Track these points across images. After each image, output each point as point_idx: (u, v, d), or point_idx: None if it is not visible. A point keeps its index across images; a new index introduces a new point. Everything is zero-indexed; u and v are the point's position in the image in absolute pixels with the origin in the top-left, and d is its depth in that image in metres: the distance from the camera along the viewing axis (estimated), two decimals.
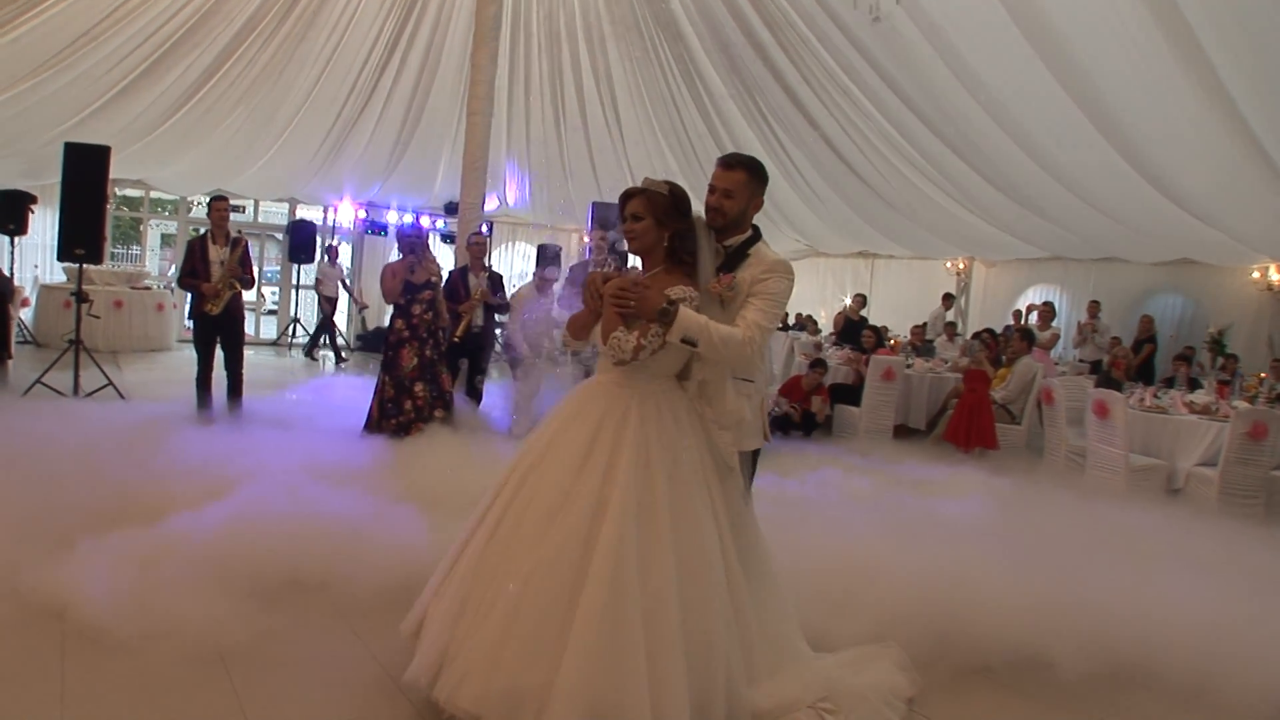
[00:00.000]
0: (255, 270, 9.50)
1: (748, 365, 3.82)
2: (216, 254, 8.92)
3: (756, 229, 3.98)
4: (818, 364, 10.94)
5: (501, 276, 10.15)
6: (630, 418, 3.58)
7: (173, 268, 20.76)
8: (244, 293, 9.23)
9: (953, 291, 18.77)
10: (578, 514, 3.41)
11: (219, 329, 9.02)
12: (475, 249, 9.88)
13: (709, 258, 3.79)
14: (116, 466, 6.44)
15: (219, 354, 9.14)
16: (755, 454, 4.10)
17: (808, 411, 10.66)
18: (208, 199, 9.74)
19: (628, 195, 3.78)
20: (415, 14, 13.46)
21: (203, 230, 9.48)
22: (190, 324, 9.32)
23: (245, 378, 9.35)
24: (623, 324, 3.63)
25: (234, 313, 9.07)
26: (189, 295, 9.27)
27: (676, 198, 3.73)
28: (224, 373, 9.17)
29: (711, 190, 3.91)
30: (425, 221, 17.87)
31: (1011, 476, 8.71)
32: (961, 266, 18.91)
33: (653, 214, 3.71)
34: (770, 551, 3.97)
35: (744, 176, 3.90)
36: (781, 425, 10.33)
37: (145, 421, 8.30)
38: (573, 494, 3.46)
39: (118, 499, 5.68)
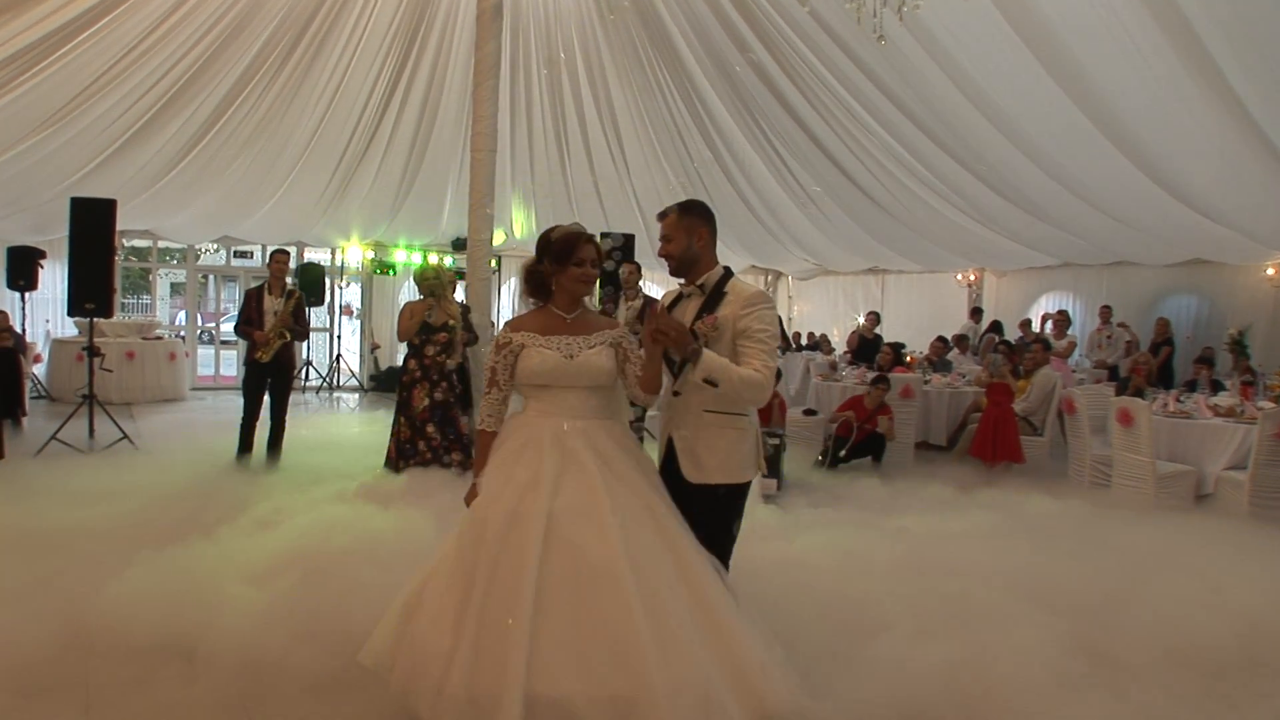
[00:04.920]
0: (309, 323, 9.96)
1: (758, 403, 3.96)
2: (271, 304, 9.36)
3: (728, 269, 4.12)
4: (880, 380, 10.42)
5: (469, 308, 10.06)
6: (623, 461, 3.81)
7: (182, 315, 20.85)
8: (295, 343, 9.68)
9: (966, 304, 18.72)
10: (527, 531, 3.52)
11: (269, 375, 9.36)
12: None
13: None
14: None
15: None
16: (746, 486, 4.06)
17: (874, 432, 10.13)
18: (270, 250, 10.00)
19: (588, 239, 3.96)
20: (415, 53, 13.47)
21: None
22: (242, 369, 9.55)
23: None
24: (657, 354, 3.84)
25: (284, 361, 9.47)
26: (244, 342, 9.65)
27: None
28: (268, 419, 9.45)
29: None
30: (444, 261, 17.85)
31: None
32: (973, 278, 18.84)
33: (602, 261, 4.02)
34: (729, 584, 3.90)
35: (674, 217, 4.10)
36: (839, 448, 9.99)
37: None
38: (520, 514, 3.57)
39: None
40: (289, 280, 10.27)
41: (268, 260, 9.76)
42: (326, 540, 6.04)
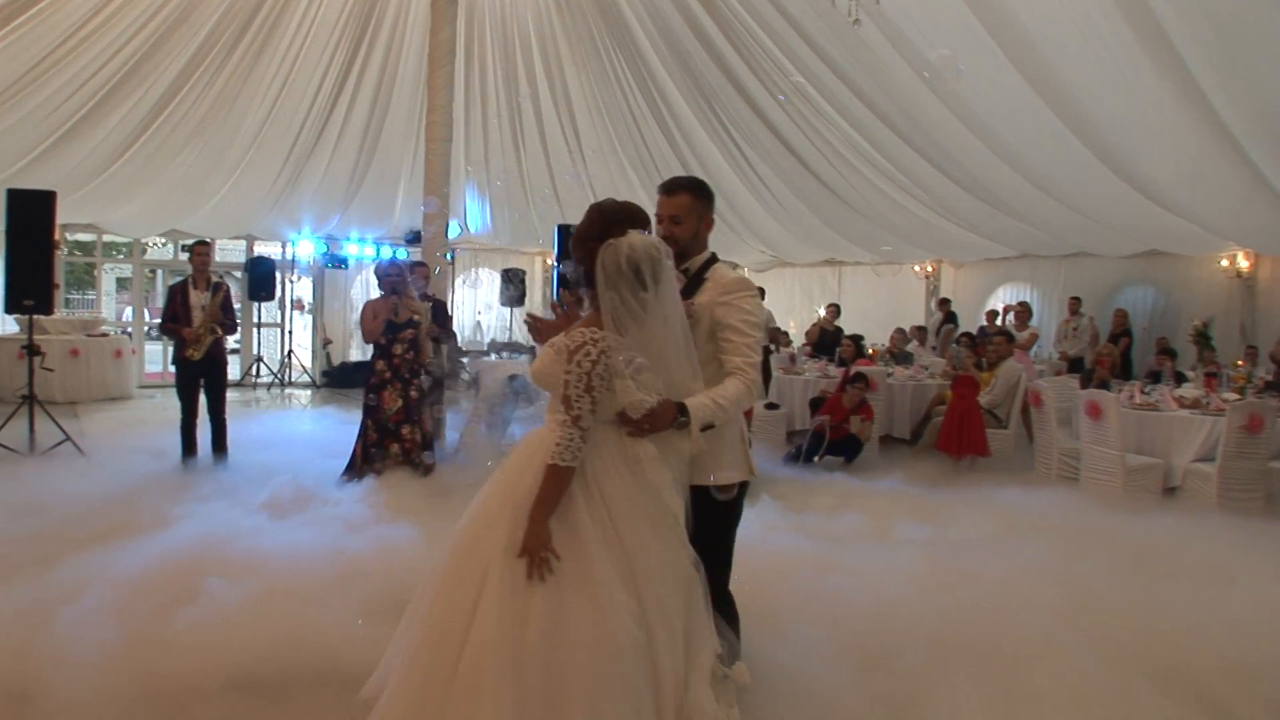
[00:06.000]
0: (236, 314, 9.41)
1: (752, 404, 3.69)
2: (197, 299, 8.95)
3: (714, 254, 3.81)
4: (858, 378, 9.94)
5: (445, 304, 9.85)
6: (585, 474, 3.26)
7: (128, 311, 20.40)
8: (226, 338, 9.23)
9: (924, 296, 18.73)
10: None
11: (201, 374, 8.98)
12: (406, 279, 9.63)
13: (609, 291, 3.25)
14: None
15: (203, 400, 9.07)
16: (743, 489, 3.75)
17: (850, 435, 9.74)
18: (190, 244, 9.58)
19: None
20: (367, 40, 13.19)
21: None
22: (172, 368, 9.13)
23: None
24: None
25: (216, 358, 9.07)
26: (171, 341, 9.13)
27: (581, 226, 3.40)
28: (207, 419, 9.08)
29: (659, 220, 3.73)
30: (402, 254, 17.53)
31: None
32: (930, 270, 18.84)
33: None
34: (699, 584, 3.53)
35: (689, 199, 3.73)
36: (814, 449, 9.70)
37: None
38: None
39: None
40: (240, 273, 9.94)
41: (188, 254, 9.34)
42: (209, 558, 5.61)
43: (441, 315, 9.59)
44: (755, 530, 6.57)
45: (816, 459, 9.60)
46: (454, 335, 9.43)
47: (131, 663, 4.22)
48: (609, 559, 3.16)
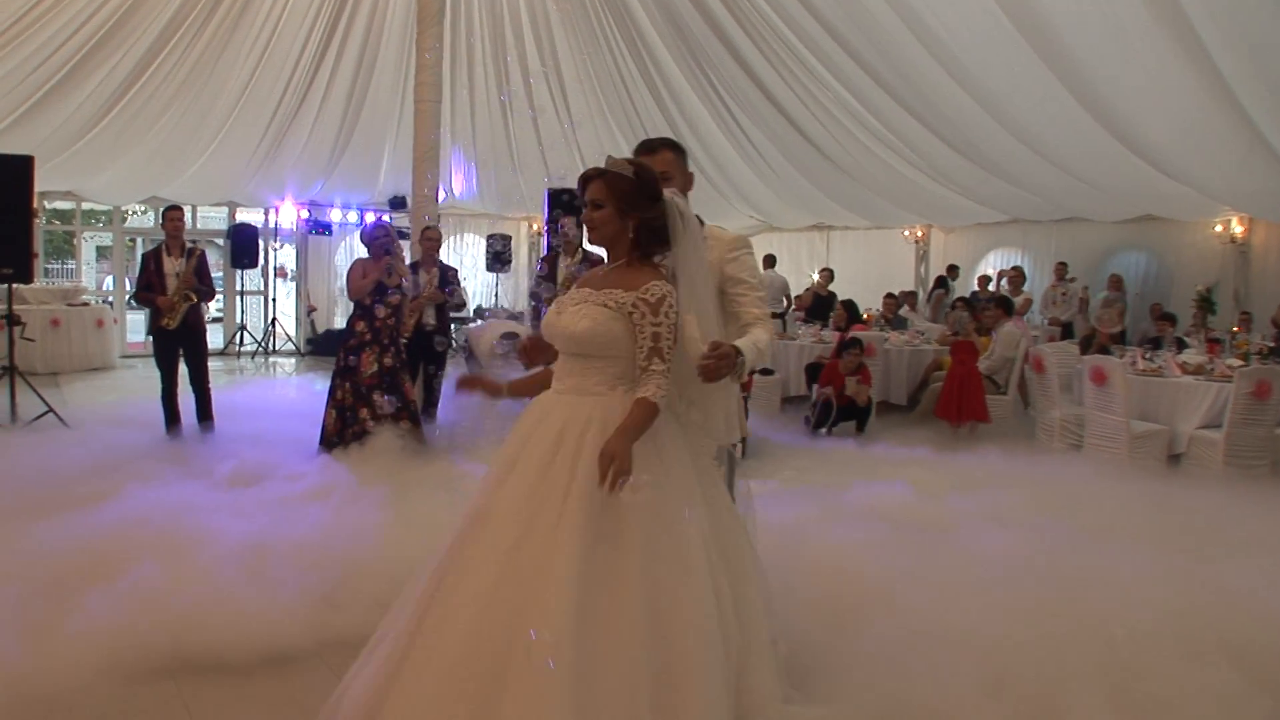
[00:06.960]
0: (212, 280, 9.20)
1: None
2: (172, 266, 8.65)
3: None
4: (853, 344, 9.75)
5: (455, 270, 9.68)
6: (589, 436, 3.11)
7: (109, 280, 20.13)
8: (203, 304, 8.95)
9: (914, 260, 18.61)
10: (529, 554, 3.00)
11: (180, 344, 8.71)
12: (430, 244, 9.40)
13: (688, 242, 3.28)
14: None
15: (183, 370, 8.81)
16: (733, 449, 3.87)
17: (853, 402, 9.58)
18: (162, 209, 9.30)
19: (587, 178, 3.32)
20: (351, 1, 12.90)
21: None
22: (149, 339, 8.93)
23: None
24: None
25: (193, 326, 8.78)
26: (147, 310, 8.87)
27: (643, 180, 3.27)
28: (190, 390, 8.82)
29: None
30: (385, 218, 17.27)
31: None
32: (920, 234, 18.71)
33: (614, 201, 3.25)
34: (754, 557, 3.48)
35: (672, 155, 3.70)
36: (824, 419, 9.61)
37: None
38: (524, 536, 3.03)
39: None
40: (222, 240, 9.71)
41: (161, 220, 9.06)
42: (151, 537, 5.25)
43: (452, 281, 9.40)
44: (808, 517, 6.17)
45: (824, 430, 9.55)
46: (463, 302, 9.19)
47: (21, 659, 3.91)
48: (700, 540, 3.12)
